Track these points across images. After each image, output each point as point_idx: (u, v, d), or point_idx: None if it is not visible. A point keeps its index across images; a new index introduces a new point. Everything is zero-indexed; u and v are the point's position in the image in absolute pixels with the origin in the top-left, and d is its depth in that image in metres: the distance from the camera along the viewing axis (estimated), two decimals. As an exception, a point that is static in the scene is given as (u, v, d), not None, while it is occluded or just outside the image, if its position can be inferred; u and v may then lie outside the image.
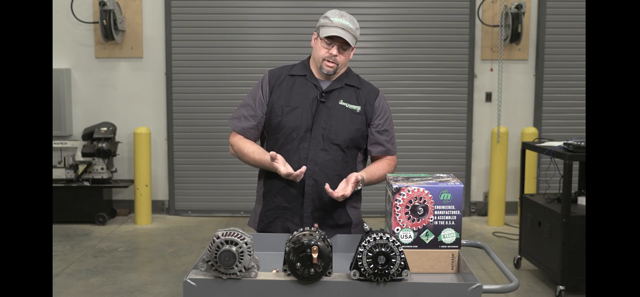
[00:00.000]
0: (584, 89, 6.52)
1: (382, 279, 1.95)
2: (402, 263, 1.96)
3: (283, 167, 2.49)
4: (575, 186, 5.00)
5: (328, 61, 2.58)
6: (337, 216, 2.66)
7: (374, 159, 2.75)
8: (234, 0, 6.64)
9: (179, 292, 4.49)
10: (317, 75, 2.66)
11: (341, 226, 2.66)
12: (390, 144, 2.73)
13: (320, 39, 2.59)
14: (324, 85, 2.65)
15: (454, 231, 2.18)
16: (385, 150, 2.72)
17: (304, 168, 2.49)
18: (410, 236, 2.18)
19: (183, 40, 6.66)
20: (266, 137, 2.72)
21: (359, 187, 2.57)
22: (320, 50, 2.59)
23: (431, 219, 2.17)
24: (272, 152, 2.50)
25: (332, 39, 2.57)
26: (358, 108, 2.65)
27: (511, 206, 6.63)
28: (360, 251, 1.95)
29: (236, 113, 2.76)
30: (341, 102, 2.63)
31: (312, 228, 2.13)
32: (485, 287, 2.00)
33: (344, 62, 2.62)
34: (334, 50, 2.57)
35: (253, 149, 2.66)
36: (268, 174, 2.68)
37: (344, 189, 2.48)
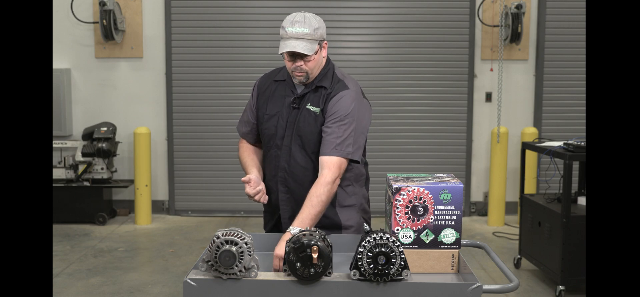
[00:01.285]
0: (584, 89, 6.52)
1: (382, 279, 1.95)
2: (402, 263, 1.96)
3: (250, 188, 2.50)
4: (575, 186, 5.00)
5: (296, 72, 2.49)
6: (322, 220, 2.49)
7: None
8: (234, 0, 6.64)
9: (179, 292, 4.49)
10: (295, 80, 2.58)
11: (328, 228, 2.50)
12: (330, 144, 2.44)
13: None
14: (300, 90, 2.58)
15: (454, 231, 2.18)
16: (322, 151, 2.46)
17: (264, 197, 2.53)
18: (410, 236, 2.18)
19: (183, 40, 6.65)
20: None
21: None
22: (287, 63, 2.50)
23: (431, 219, 2.17)
24: (245, 177, 2.52)
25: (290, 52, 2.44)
26: (318, 110, 2.52)
27: (511, 206, 6.63)
28: (360, 251, 1.95)
29: (241, 117, 2.79)
30: (308, 106, 2.53)
31: (312, 228, 2.13)
32: (485, 287, 2.00)
33: (314, 66, 2.49)
34: (298, 62, 2.45)
35: (246, 162, 2.69)
36: (264, 177, 2.70)
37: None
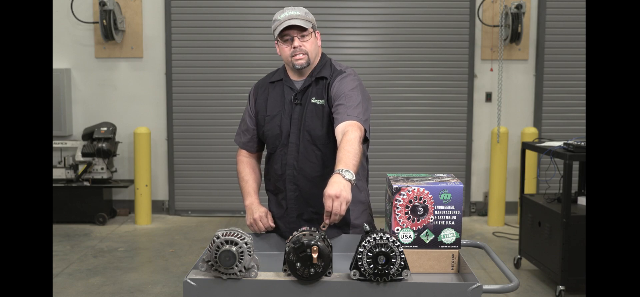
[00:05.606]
0: (584, 89, 6.52)
1: (382, 279, 1.95)
2: (402, 263, 1.96)
3: (262, 225, 2.60)
4: (575, 186, 5.00)
5: (296, 56, 2.52)
6: None
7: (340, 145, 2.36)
8: (234, 0, 6.64)
9: (179, 292, 4.49)
10: (292, 77, 2.61)
11: (338, 227, 2.51)
12: (343, 113, 2.40)
13: (279, 40, 2.54)
14: (299, 85, 2.59)
15: (454, 231, 2.18)
16: (337, 122, 2.41)
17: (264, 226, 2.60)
18: (410, 236, 2.18)
19: (183, 40, 6.65)
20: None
21: (353, 182, 2.17)
22: (285, 50, 2.54)
23: (431, 219, 2.17)
24: (253, 217, 2.59)
25: (287, 32, 2.50)
26: (323, 101, 2.54)
27: (511, 206, 6.63)
28: (360, 251, 1.95)
29: (238, 129, 2.79)
30: (313, 100, 2.55)
31: (312, 228, 2.13)
32: (485, 287, 2.00)
33: (312, 48, 2.54)
34: (296, 42, 2.50)
35: (244, 177, 2.71)
36: (265, 181, 2.72)
37: (329, 213, 2.12)
